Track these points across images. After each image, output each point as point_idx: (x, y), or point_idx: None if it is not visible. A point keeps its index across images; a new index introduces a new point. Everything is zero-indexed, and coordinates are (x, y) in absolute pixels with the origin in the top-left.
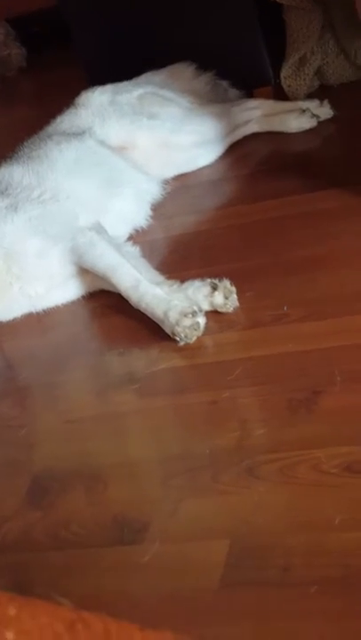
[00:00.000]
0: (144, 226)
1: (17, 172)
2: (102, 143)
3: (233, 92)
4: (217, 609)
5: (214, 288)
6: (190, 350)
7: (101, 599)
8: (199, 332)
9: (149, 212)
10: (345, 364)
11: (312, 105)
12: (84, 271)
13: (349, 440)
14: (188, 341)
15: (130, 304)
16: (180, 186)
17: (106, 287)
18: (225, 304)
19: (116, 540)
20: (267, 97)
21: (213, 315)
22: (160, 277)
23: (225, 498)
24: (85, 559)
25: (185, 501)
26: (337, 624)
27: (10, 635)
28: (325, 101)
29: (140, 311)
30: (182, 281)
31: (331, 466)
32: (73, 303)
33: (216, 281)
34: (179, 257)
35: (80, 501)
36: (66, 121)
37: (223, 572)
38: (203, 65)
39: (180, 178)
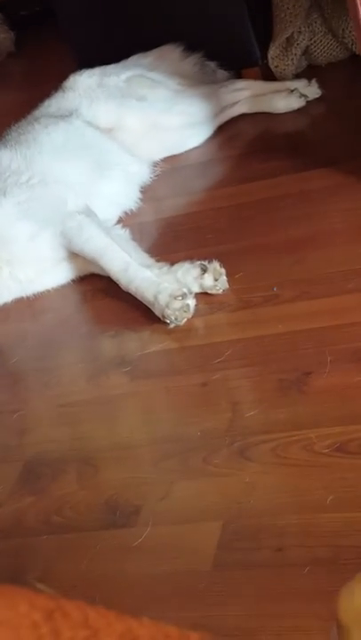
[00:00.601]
0: (133, 208)
1: (5, 157)
2: (90, 124)
3: (221, 73)
4: (210, 591)
5: (204, 270)
6: (181, 332)
7: (94, 582)
8: (189, 315)
9: (139, 195)
10: (335, 344)
11: (300, 85)
12: (74, 255)
13: (340, 420)
14: (179, 324)
15: (120, 287)
16: (169, 167)
17: (96, 271)
18: (215, 286)
19: (109, 523)
20: (255, 77)
21: (203, 297)
22: (150, 260)
23: (217, 480)
24: (78, 543)
25: (177, 484)
26: (330, 604)
27: None
28: (313, 81)
29: (130, 294)
30: (172, 263)
31: (322, 446)
32: (63, 287)
33: (206, 263)
34: (168, 239)
35: (72, 485)
36: (53, 104)
37: (216, 553)
38: (190, 46)
39: (170, 159)
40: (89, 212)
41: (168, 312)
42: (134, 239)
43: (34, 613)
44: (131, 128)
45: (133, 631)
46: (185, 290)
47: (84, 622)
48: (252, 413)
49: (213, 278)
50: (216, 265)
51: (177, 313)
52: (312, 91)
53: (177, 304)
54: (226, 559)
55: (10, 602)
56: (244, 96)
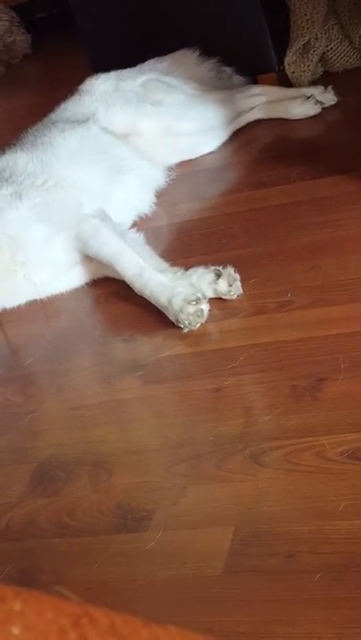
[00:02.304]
0: (148, 213)
1: (21, 160)
2: (106, 130)
3: (237, 79)
4: (221, 596)
5: (218, 275)
6: (194, 337)
7: (106, 586)
8: (203, 319)
9: (153, 199)
10: (349, 351)
11: (316, 91)
12: (89, 258)
13: (354, 427)
14: (192, 328)
15: (134, 291)
16: (184, 172)
17: (110, 274)
18: (229, 291)
19: (121, 527)
20: (271, 83)
21: (217, 302)
22: (164, 264)
23: (229, 485)
24: (90, 546)
25: (189, 488)
26: (341, 611)
27: (16, 630)
28: (329, 88)
29: (144, 298)
30: (186, 268)
31: (335, 453)
32: (77, 290)
33: (220, 268)
34: (183, 244)
35: (84, 489)
36: (70, 108)
37: (227, 558)
38: (207, 51)
39: (184, 164)
40: (104, 216)
41: (182, 317)
42: (149, 243)
43: (61, 619)
44: (146, 133)
45: (159, 638)
46: (199, 295)
47: (111, 629)
48: (265, 419)
49: (227, 284)
50: (230, 270)
51: (191, 318)
52: (328, 97)
53: (191, 309)
54: (237, 564)
55: (38, 608)
56: (260, 102)
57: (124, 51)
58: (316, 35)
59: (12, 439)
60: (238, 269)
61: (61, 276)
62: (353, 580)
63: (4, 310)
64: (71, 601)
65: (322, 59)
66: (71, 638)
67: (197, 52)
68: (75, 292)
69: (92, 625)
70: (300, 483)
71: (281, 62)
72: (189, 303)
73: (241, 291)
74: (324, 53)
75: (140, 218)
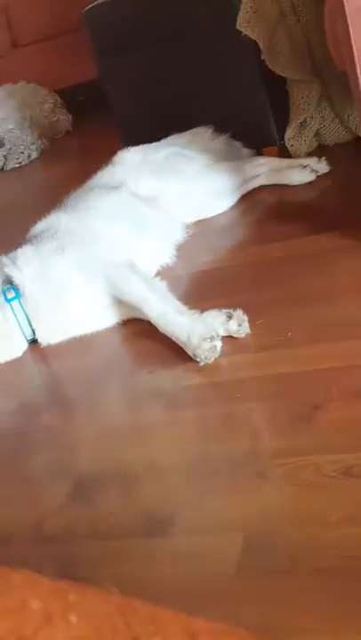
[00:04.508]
0: (170, 263)
1: (64, 219)
2: (135, 194)
3: (245, 151)
4: (234, 592)
5: (229, 317)
6: (209, 370)
7: (134, 584)
8: (216, 354)
9: (174, 252)
10: (341, 382)
11: (312, 161)
12: (119, 301)
13: (346, 448)
14: (207, 362)
15: (158, 330)
16: (199, 230)
17: (138, 315)
18: (238, 330)
19: (147, 532)
20: (273, 155)
21: (228, 339)
22: (183, 307)
23: (239, 497)
24: (120, 549)
25: (205, 499)
26: (338, 607)
27: (73, 618)
28: (323, 158)
29: (166, 336)
30: (202, 310)
31: (330, 470)
32: (109, 329)
33: (231, 310)
34: (199, 290)
35: (115, 498)
36: (105, 176)
37: (238, 560)
38: (219, 128)
39: (200, 223)
40: (133, 266)
41: (199, 352)
42: (170, 289)
43: (109, 609)
44: (169, 197)
45: (191, 627)
46: (213, 333)
47: (151, 618)
48: (269, 441)
49: (237, 324)
50: (240, 312)
51: (206, 353)
52: (322, 167)
53: (206, 345)
54: (247, 566)
55: (90, 598)
56: (264, 170)
57: (150, 128)
58: (312, 114)
59: (54, 455)
60: (246, 312)
61: (96, 316)
62: (347, 580)
63: (49, 345)
64: (115, 594)
65: (316, 134)
66: (118, 625)
67: (211, 130)
68: (107, 331)
69: (135, 615)
70: (300, 495)
71: (282, 137)
72: (205, 340)
73: (248, 330)
74: (318, 130)
75: (163, 267)
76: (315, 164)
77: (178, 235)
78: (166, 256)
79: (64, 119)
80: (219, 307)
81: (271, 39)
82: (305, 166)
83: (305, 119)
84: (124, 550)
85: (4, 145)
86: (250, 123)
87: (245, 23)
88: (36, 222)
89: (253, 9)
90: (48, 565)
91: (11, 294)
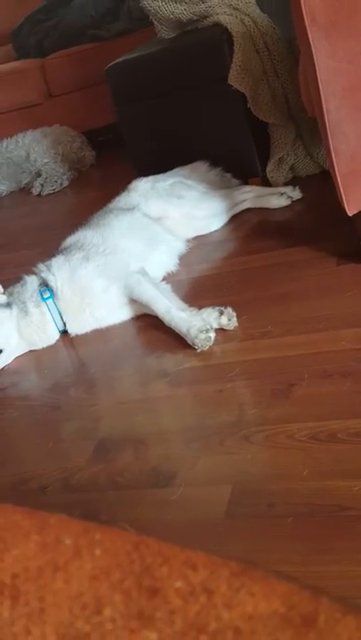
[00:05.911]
0: (173, 270)
1: (89, 235)
2: (146, 215)
3: (234, 181)
4: (224, 533)
5: (221, 313)
6: (205, 355)
7: (144, 525)
8: (210, 343)
9: (177, 261)
10: (311, 365)
11: (288, 189)
12: (133, 301)
13: (314, 418)
14: (203, 349)
15: (164, 323)
16: (198, 243)
17: (148, 312)
18: (228, 324)
19: (154, 484)
20: (257, 184)
21: (220, 331)
22: (184, 305)
23: (228, 456)
24: (134, 497)
25: (201, 458)
26: (306, 544)
27: (98, 552)
28: (297, 187)
29: (170, 328)
30: (199, 308)
31: (301, 435)
32: (125, 322)
33: (222, 308)
34: (197, 292)
35: (130, 457)
36: (122, 200)
37: (227, 507)
38: (214, 162)
39: (198, 238)
40: (144, 273)
41: (196, 341)
42: (174, 291)
43: (127, 545)
44: (173, 217)
45: (191, 559)
46: (208, 326)
47: (159, 552)
48: (253, 411)
49: (228, 319)
50: (230, 310)
51: (202, 342)
52: (296, 194)
53: (202, 336)
54: (234, 511)
55: (110, 536)
56: (250, 196)
57: (158, 162)
58: (288, 152)
59: (80, 423)
60: (235, 309)
61: (115, 312)
62: (314, 523)
63: (77, 336)
64: (131, 532)
65: (291, 167)
66: (134, 557)
67: (207, 164)
68: (123, 324)
69: (147, 549)
70: (277, 455)
71: (264, 170)
72: (201, 332)
73: (236, 324)
74: (293, 164)
75: (168, 274)
76: (290, 192)
77: (180, 247)
78: (171, 265)
79: (89, 155)
80: (212, 305)
81: (256, 91)
82: (282, 193)
83: (283, 155)
84: (137, 498)
85: (40, 175)
86: (238, 158)
87: (235, 79)
88: (66, 237)
89: (242, 67)
90: (74, 509)
91: (46, 294)
